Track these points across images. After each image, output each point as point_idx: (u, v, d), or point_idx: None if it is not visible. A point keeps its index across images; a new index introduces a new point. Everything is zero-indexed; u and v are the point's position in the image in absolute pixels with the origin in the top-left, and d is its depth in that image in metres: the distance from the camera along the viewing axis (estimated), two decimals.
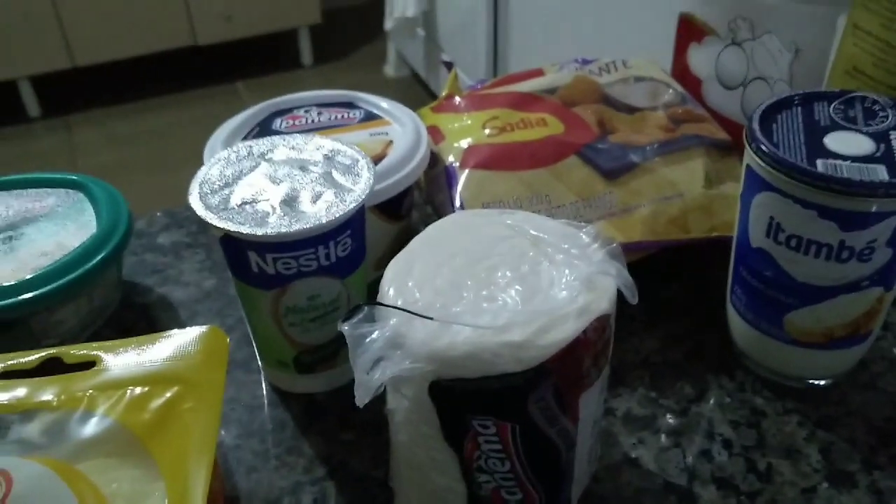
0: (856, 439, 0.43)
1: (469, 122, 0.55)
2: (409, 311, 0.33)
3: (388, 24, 2.35)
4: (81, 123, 2.51)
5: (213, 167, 0.43)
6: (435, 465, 0.36)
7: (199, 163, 0.45)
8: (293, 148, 0.44)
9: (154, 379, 0.38)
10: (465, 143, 0.53)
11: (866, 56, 0.46)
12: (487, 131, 0.54)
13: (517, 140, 0.53)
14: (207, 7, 2.48)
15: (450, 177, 0.52)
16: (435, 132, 0.55)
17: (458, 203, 0.50)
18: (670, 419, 0.45)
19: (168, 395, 0.37)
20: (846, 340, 0.43)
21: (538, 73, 0.61)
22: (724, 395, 0.46)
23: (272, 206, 0.40)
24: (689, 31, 0.60)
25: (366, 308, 0.33)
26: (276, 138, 0.45)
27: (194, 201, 0.40)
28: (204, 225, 0.59)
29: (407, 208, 0.53)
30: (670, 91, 0.58)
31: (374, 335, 0.33)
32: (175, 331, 0.39)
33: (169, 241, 0.58)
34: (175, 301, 0.53)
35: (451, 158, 0.53)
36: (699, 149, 0.53)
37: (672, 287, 0.53)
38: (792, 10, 0.51)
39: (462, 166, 0.52)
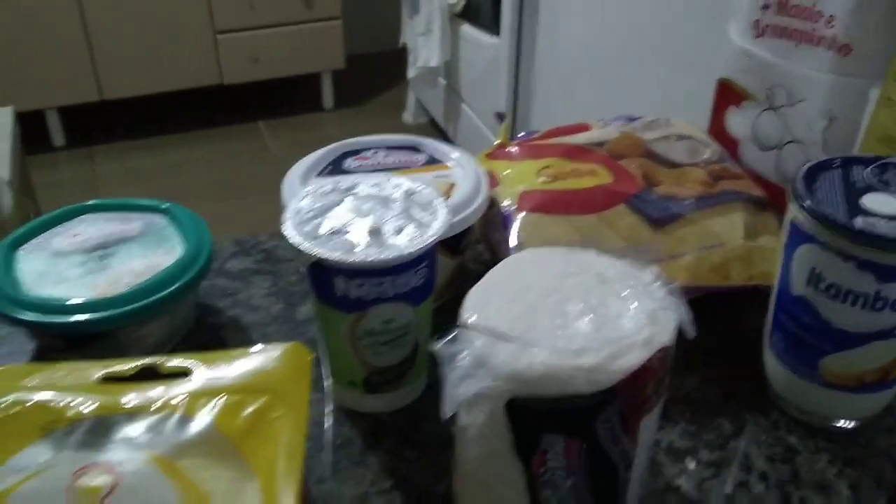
0: (882, 478, 0.47)
1: (523, 169, 0.59)
2: (493, 335, 0.37)
3: (411, 73, 2.42)
4: (104, 155, 2.56)
5: (303, 200, 0.47)
6: (502, 479, 0.40)
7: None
8: (374, 185, 0.48)
9: (244, 388, 0.41)
10: (520, 189, 0.57)
11: None
12: (541, 178, 0.58)
13: (569, 188, 0.57)
14: (236, 48, 2.56)
15: (506, 219, 0.56)
16: (490, 177, 0.59)
17: (514, 243, 0.54)
18: (710, 452, 0.48)
19: (258, 403, 0.41)
20: (876, 385, 0.47)
21: (585, 127, 0.65)
22: (760, 433, 0.49)
23: (359, 237, 0.44)
24: (728, 95, 0.64)
25: (456, 330, 0.37)
26: (358, 176, 0.49)
27: (288, 230, 0.44)
28: (269, 253, 0.63)
29: (465, 245, 0.57)
30: (710, 149, 0.63)
31: (463, 354, 0.36)
32: (261, 345, 0.43)
33: (238, 267, 0.61)
34: (245, 323, 0.56)
35: (507, 202, 0.57)
36: (738, 203, 0.58)
37: (710, 333, 0.57)
38: (827, 81, 0.56)
39: (518, 209, 0.56)
